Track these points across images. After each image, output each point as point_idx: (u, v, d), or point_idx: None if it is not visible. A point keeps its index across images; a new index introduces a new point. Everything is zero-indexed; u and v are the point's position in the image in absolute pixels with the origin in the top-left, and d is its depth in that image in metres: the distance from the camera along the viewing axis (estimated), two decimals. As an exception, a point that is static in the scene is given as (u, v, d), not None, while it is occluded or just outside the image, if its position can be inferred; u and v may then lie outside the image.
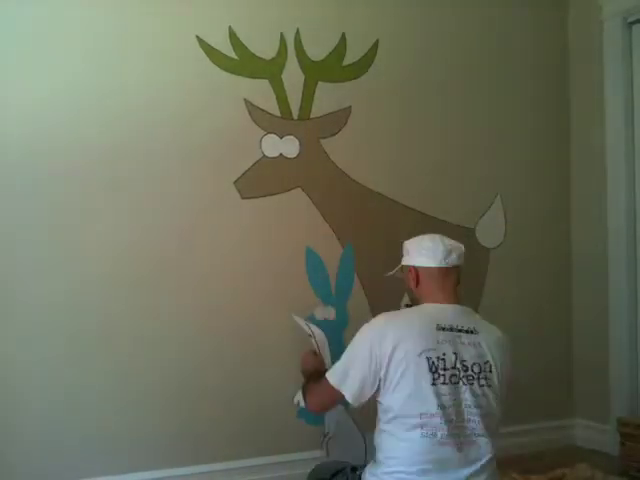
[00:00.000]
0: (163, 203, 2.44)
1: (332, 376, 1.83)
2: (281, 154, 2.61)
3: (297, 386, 2.57)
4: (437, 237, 1.96)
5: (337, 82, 2.70)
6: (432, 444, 1.70)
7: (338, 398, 1.84)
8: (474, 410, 1.74)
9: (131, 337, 2.38)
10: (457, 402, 1.73)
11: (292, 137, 2.62)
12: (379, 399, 1.79)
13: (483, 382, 1.77)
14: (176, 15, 2.47)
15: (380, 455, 1.80)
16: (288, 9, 2.64)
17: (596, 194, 3.05)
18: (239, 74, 2.55)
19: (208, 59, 2.51)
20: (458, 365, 1.75)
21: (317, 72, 2.66)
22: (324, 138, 2.68)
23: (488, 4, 3.03)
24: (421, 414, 1.71)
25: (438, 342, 1.76)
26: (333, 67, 2.70)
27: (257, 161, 2.57)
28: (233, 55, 2.54)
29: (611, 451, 2.89)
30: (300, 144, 2.63)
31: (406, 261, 2.00)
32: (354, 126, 2.72)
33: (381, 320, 1.85)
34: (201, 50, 2.50)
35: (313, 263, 2.64)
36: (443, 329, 1.79)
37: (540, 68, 3.14)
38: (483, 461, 1.74)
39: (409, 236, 2.78)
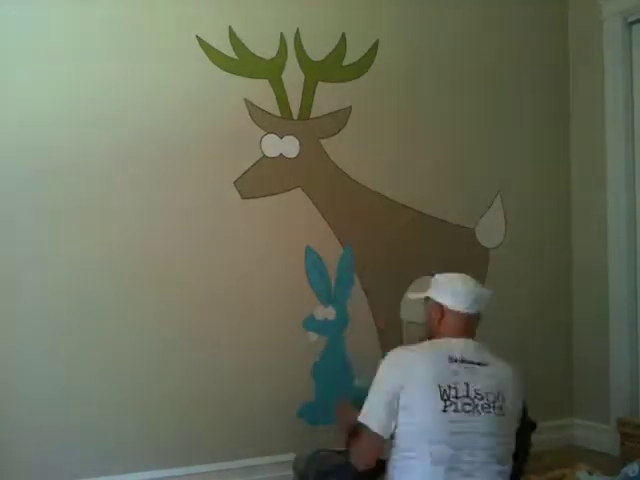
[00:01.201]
0: (163, 202, 2.44)
1: (360, 417, 1.85)
2: (281, 154, 2.61)
3: (297, 385, 2.58)
4: (470, 281, 1.99)
5: (337, 82, 2.70)
6: (442, 472, 1.73)
7: (373, 439, 1.82)
8: (489, 438, 1.78)
9: (129, 336, 2.38)
10: (471, 429, 1.77)
11: (292, 137, 2.62)
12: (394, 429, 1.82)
13: (498, 411, 1.81)
14: (176, 15, 2.47)
15: None
16: (288, 9, 2.64)
17: (596, 193, 3.05)
18: (239, 74, 2.55)
19: (208, 59, 2.51)
20: (472, 394, 1.80)
21: (317, 72, 2.66)
22: (324, 138, 2.68)
23: (488, 4, 3.03)
24: (430, 441, 1.75)
25: (450, 372, 1.82)
26: (333, 67, 2.70)
27: (257, 161, 2.57)
28: (233, 55, 2.54)
29: (611, 451, 2.89)
30: (300, 144, 2.63)
31: (434, 296, 2.01)
32: (354, 126, 2.72)
33: (395, 354, 1.92)
34: (201, 50, 2.50)
35: (313, 263, 2.64)
36: (455, 361, 1.84)
37: (540, 68, 3.14)
38: None
39: (409, 236, 2.82)
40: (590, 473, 2.28)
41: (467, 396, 1.80)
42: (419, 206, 2.85)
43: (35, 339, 2.27)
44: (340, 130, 2.71)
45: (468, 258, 2.97)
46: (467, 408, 1.78)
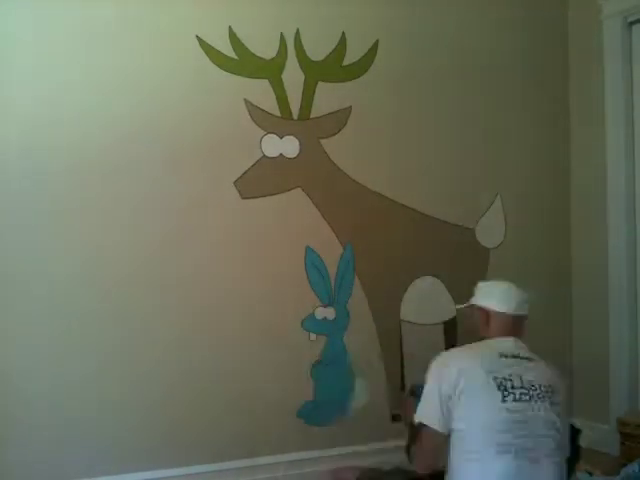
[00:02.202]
0: (162, 202, 2.44)
1: (417, 417, 1.93)
2: (281, 154, 2.61)
3: (297, 385, 2.58)
4: (510, 286, 2.15)
5: (337, 82, 2.70)
6: (510, 460, 1.77)
7: (433, 437, 1.88)
8: (548, 425, 1.84)
9: (128, 335, 2.39)
10: (531, 417, 1.83)
11: (292, 137, 2.62)
12: (453, 426, 1.86)
13: (551, 402, 1.88)
14: (176, 15, 2.47)
15: None
16: (288, 9, 2.64)
17: (596, 194, 3.05)
18: (239, 74, 2.55)
19: (208, 59, 2.51)
20: (526, 385, 1.88)
21: (317, 72, 2.66)
22: (324, 138, 2.68)
23: (488, 4, 3.03)
24: (493, 431, 1.80)
25: (503, 366, 1.91)
26: (333, 67, 2.70)
27: (257, 161, 2.57)
28: (233, 55, 2.54)
29: (611, 451, 2.89)
30: (300, 144, 2.63)
31: (478, 302, 2.14)
32: (354, 126, 2.72)
33: (445, 353, 2.04)
34: (201, 50, 2.50)
35: (313, 263, 2.65)
36: (506, 356, 1.95)
37: (540, 68, 3.14)
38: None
39: (409, 236, 2.82)
40: (590, 473, 2.28)
41: (522, 387, 1.87)
42: (419, 206, 2.85)
43: (35, 339, 2.27)
44: (340, 130, 2.71)
45: (468, 258, 2.97)
46: (524, 397, 1.85)
